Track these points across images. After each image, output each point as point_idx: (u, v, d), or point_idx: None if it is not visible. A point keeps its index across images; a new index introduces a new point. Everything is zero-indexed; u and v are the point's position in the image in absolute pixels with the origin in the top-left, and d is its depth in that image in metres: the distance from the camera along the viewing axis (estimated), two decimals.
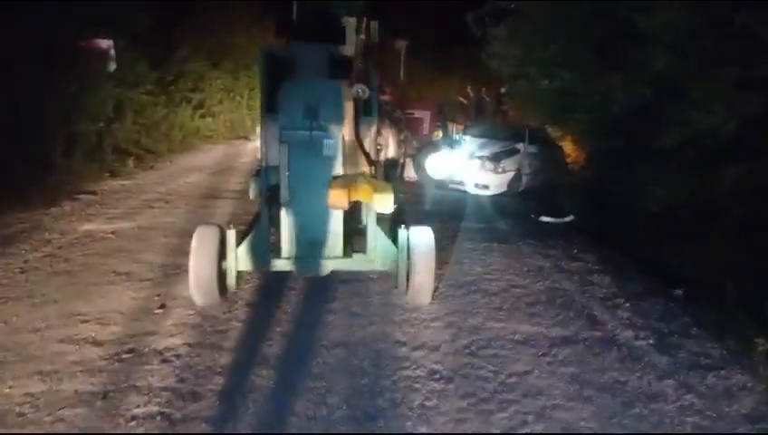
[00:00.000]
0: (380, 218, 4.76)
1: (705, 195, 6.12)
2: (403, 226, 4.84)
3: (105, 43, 11.51)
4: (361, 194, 4.30)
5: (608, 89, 6.86)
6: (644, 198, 6.78)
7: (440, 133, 12.62)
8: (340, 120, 4.43)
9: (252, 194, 4.77)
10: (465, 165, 11.23)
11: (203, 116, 15.09)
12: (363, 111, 4.71)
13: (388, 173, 8.54)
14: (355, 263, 4.75)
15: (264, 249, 4.68)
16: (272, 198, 4.67)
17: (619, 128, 7.20)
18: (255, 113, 18.25)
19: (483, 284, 5.56)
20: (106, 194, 8.93)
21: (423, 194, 10.55)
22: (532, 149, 11.91)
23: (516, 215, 9.35)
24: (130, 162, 11.00)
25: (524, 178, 11.62)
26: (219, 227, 4.74)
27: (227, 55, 17.28)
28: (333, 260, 4.59)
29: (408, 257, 4.76)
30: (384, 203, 4.26)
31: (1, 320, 4.38)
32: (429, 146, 11.71)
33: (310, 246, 4.55)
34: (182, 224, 7.27)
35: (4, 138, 8.10)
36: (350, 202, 4.27)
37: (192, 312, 4.62)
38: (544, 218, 8.73)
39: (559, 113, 8.92)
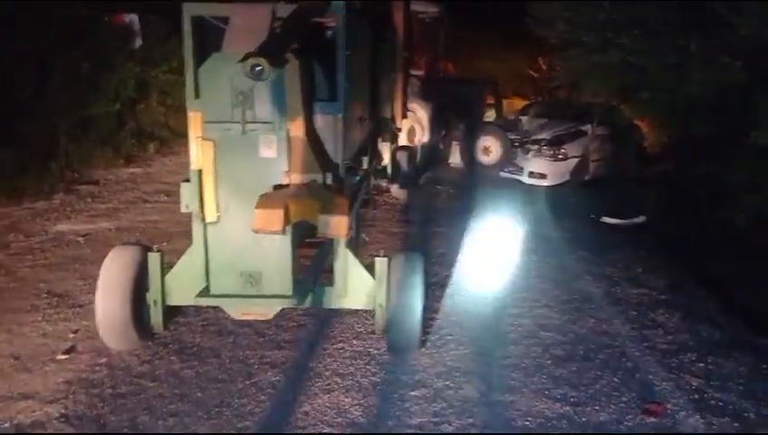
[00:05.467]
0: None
1: None
2: (382, 253, 3.56)
3: (129, 18, 10.67)
4: (303, 213, 3.05)
5: (682, 59, 5.18)
6: (734, 204, 5.14)
7: (493, 113, 11.05)
8: (282, 108, 3.19)
9: (184, 205, 3.63)
10: (520, 150, 9.68)
11: None
12: (322, 94, 3.44)
13: (400, 171, 7.23)
14: (316, 299, 3.54)
15: (199, 279, 3.54)
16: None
17: (703, 112, 5.50)
18: None
19: (501, 322, 4.20)
20: (108, 184, 8.10)
21: (467, 184, 9.13)
22: (602, 131, 10.16)
23: (575, 212, 7.79)
24: (152, 147, 10.18)
25: (591, 166, 9.93)
26: (141, 247, 3.64)
27: None
28: (279, 299, 3.38)
29: (389, 293, 3.50)
30: (333, 226, 3.01)
31: None
32: (479, 127, 10.21)
33: (246, 280, 3.35)
34: (167, 225, 6.28)
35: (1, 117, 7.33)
36: (286, 224, 3.03)
37: (102, 360, 3.56)
38: (607, 220, 7.14)
39: (624, 91, 7.22)
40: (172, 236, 5.87)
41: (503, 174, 9.73)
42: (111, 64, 9.86)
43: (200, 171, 3.44)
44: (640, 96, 6.59)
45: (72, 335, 3.86)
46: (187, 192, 3.59)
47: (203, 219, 3.51)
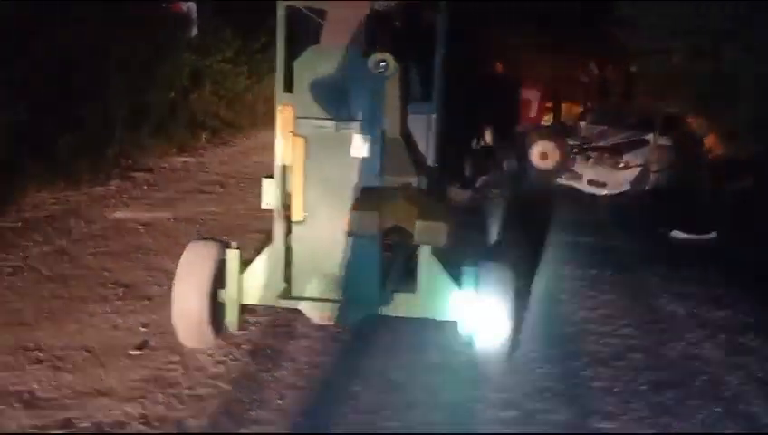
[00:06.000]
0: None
1: None
2: (470, 260, 3.37)
3: (186, 6, 10.65)
4: (399, 217, 2.88)
5: None
6: None
7: (550, 117, 10.76)
8: (379, 106, 3.02)
9: (265, 202, 3.49)
10: (578, 157, 9.39)
11: None
12: (418, 93, 3.27)
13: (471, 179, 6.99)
14: (398, 308, 3.36)
15: (278, 279, 3.40)
16: (288, 211, 3.37)
17: None
18: None
19: (586, 341, 3.98)
20: (162, 173, 8.07)
21: (523, 189, 8.89)
22: (665, 140, 9.79)
23: (639, 225, 7.49)
24: (204, 136, 10.15)
25: (652, 177, 9.57)
26: (219, 243, 3.51)
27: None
28: (364, 306, 3.21)
29: (476, 304, 3.30)
30: (432, 234, 2.82)
31: None
32: (536, 132, 9.94)
33: (330, 283, 3.20)
34: (227, 218, 6.19)
35: (58, 102, 7.31)
36: (381, 228, 2.86)
37: (176, 358, 3.43)
38: (678, 234, 6.83)
39: (711, 100, 6.88)
40: (233, 230, 5.76)
41: (560, 180, 9.45)
42: (167, 52, 9.84)
43: (284, 167, 3.31)
44: (723, 107, 6.26)
45: (142, 329, 3.74)
46: (269, 188, 3.44)
47: (285, 218, 3.38)
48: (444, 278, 3.36)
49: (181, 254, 3.43)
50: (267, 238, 5.36)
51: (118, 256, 4.96)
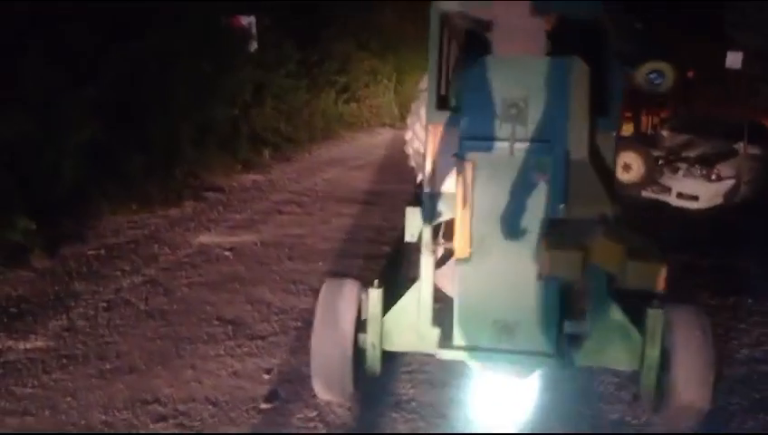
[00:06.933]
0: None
1: None
2: (655, 301, 2.89)
3: (246, 20, 10.39)
4: (604, 257, 2.42)
5: None
6: None
7: (631, 126, 10.19)
8: (562, 123, 2.59)
9: (410, 233, 3.08)
10: (665, 168, 8.81)
11: (347, 101, 13.73)
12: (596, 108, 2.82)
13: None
14: (573, 357, 2.89)
15: (426, 323, 2.97)
16: (441, 246, 2.95)
17: None
18: (403, 98, 16.69)
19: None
20: (234, 192, 7.75)
21: None
22: (755, 150, 9.16)
23: (745, 240, 6.89)
24: (267, 153, 9.83)
25: (743, 188, 8.95)
26: (356, 281, 3.10)
27: (374, 34, 15.79)
28: (539, 357, 2.76)
29: (664, 354, 2.83)
30: (646, 277, 2.35)
31: (47, 403, 3.06)
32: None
33: (501, 332, 2.75)
34: (313, 240, 5.80)
35: (124, 120, 7.03)
36: (584, 269, 2.41)
37: (313, 413, 3.03)
38: None
39: None
40: (325, 255, 5.38)
41: (645, 194, 8.88)
42: (229, 67, 9.56)
43: (437, 194, 2.90)
44: None
45: (266, 377, 3.35)
46: (414, 219, 3.03)
47: (432, 252, 2.97)
48: (622, 321, 2.90)
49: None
50: (366, 264, 5.10)
51: (214, 288, 4.59)
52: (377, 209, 6.95)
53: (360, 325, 3.01)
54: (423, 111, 7.50)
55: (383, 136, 13.06)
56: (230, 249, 5.47)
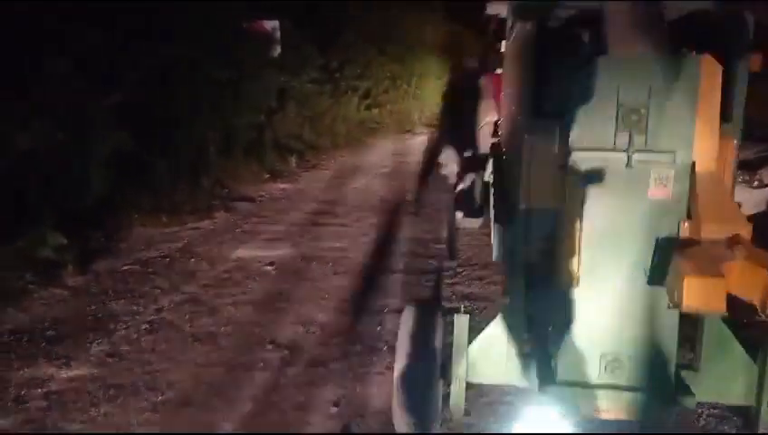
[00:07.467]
0: None
1: None
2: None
3: (270, 25, 10.14)
4: (745, 285, 2.12)
5: None
6: None
7: None
8: (687, 131, 2.29)
9: (496, 253, 2.79)
10: None
11: (368, 107, 13.45)
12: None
13: None
14: (691, 394, 2.58)
15: (517, 354, 2.68)
16: (537, 268, 2.66)
17: None
18: (424, 103, 16.42)
19: None
20: (264, 202, 7.48)
21: None
22: None
23: None
24: (293, 160, 9.57)
25: None
26: (438, 306, 2.82)
27: (394, 39, 15.53)
28: (656, 395, 2.46)
29: None
30: None
31: None
32: None
33: (610, 366, 2.46)
34: (356, 253, 5.51)
35: (150, 130, 6.76)
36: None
37: None
38: None
39: None
40: (371, 270, 5.09)
41: None
42: (254, 74, 9.32)
43: (533, 210, 2.61)
44: None
45: (334, 410, 3.06)
46: (502, 237, 2.74)
47: (525, 274, 2.68)
48: (739, 352, 2.60)
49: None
50: (416, 280, 4.82)
51: (261, 307, 4.32)
52: (414, 220, 6.66)
53: (445, 355, 2.73)
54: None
55: (406, 142, 12.76)
56: (270, 264, 5.19)
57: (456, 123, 7.17)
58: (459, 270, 5.07)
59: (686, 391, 2.47)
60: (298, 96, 10.45)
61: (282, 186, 8.32)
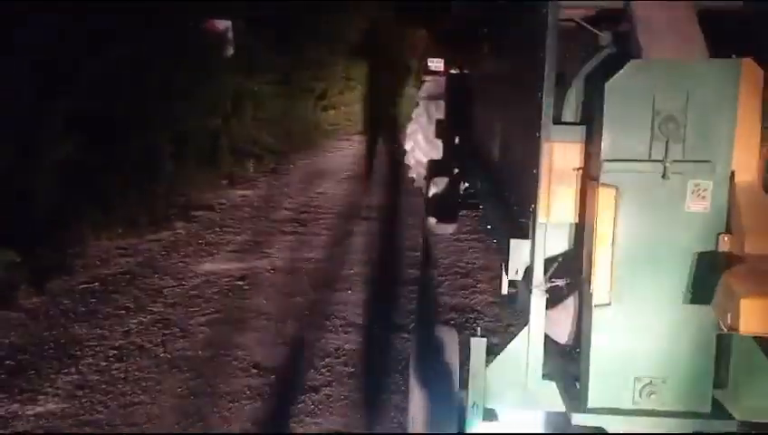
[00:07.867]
0: None
1: None
2: None
3: (223, 25, 9.75)
4: None
5: None
6: None
7: None
8: (726, 140, 2.17)
9: (513, 270, 2.61)
10: None
11: (325, 108, 13.15)
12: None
13: None
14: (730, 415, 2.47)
15: (536, 377, 2.51)
16: (560, 287, 2.49)
17: None
18: (381, 104, 16.17)
19: None
20: (225, 210, 7.12)
21: None
22: None
23: None
24: (250, 165, 9.21)
25: None
26: (455, 331, 2.63)
27: (345, 39, 15.24)
28: (692, 418, 2.33)
29: None
30: None
31: None
32: None
33: (643, 390, 2.31)
34: (331, 265, 5.26)
35: (97, 136, 6.29)
36: None
37: None
38: None
39: None
40: (351, 282, 4.85)
41: None
42: (206, 75, 8.91)
43: (569, 227, 2.45)
44: None
45: None
46: (522, 254, 2.56)
47: (543, 293, 2.51)
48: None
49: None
50: (400, 291, 4.50)
51: (239, 326, 4.03)
52: (387, 227, 6.46)
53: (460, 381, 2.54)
54: (424, 120, 7.18)
55: (363, 145, 12.53)
56: (242, 278, 4.89)
57: (420, 125, 6.99)
58: (441, 279, 4.89)
59: (723, 412, 2.35)
60: (253, 98, 10.09)
61: (241, 192, 7.97)
